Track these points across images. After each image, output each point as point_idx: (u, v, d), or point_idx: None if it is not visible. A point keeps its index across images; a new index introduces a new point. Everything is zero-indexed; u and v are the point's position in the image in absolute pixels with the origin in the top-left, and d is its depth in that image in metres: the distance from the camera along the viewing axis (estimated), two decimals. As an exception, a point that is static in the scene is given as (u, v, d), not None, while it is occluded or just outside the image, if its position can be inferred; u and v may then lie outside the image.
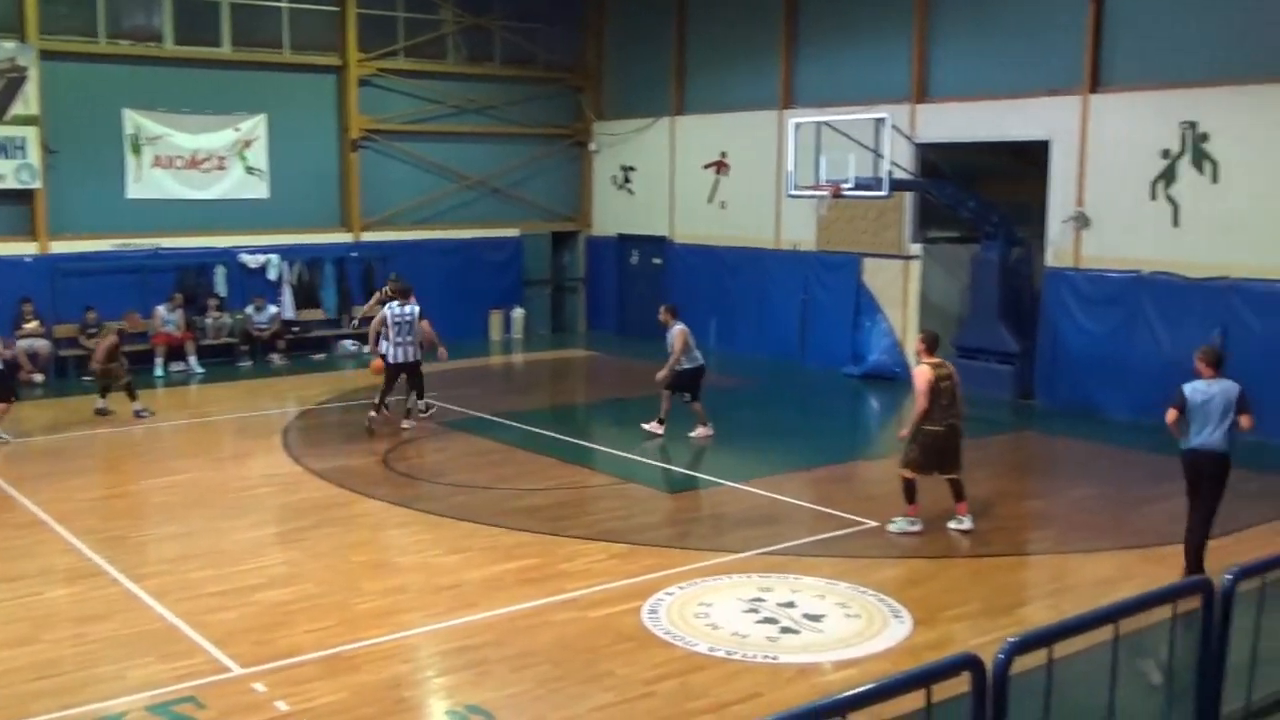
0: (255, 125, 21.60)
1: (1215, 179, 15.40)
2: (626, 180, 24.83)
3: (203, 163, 21.16)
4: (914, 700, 4.48)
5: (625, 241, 24.99)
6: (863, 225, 19.85)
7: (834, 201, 17.54)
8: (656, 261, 24.12)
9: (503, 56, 24.46)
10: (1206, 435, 9.42)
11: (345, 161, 22.65)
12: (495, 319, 24.28)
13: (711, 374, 15.59)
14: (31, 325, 19.07)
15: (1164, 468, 13.26)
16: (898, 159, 17.13)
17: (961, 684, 4.63)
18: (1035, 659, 5.04)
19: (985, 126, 17.99)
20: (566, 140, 25.40)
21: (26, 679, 7.71)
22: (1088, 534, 11.03)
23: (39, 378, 18.73)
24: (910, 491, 10.98)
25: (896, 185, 16.80)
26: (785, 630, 8.57)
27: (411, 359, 15.23)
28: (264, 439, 15.04)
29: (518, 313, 24.58)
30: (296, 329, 21.83)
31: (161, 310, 19.96)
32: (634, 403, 18.34)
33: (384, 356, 15.39)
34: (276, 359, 20.99)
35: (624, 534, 10.97)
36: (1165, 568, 9.71)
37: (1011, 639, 4.87)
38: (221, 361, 20.58)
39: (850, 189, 16.54)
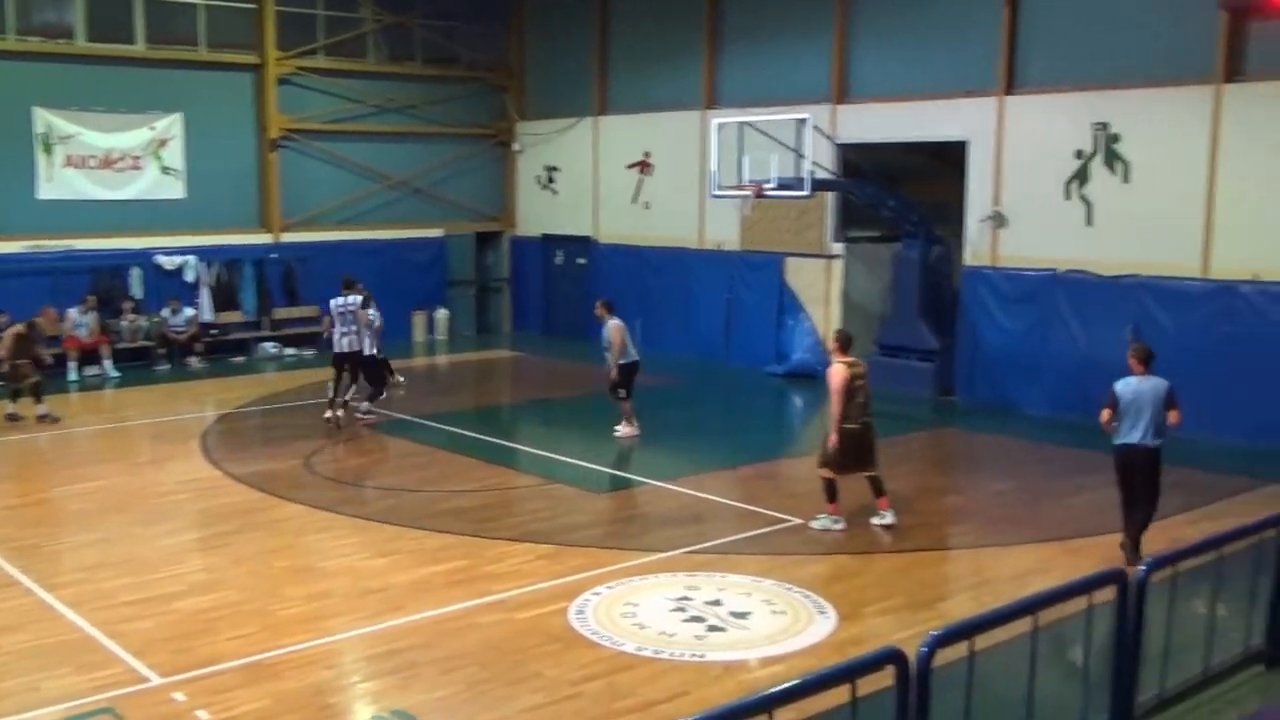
0: (171, 124, 21.21)
1: (1126, 179, 15.78)
2: (550, 180, 24.78)
3: (117, 162, 20.73)
4: (839, 695, 4.54)
5: (550, 242, 24.94)
6: (785, 225, 20.02)
7: (757, 201, 17.67)
8: (581, 262, 24.11)
9: (424, 55, 24.28)
10: (1139, 432, 9.70)
11: (264, 161, 22.33)
12: (419, 320, 24.10)
13: (638, 373, 15.61)
14: (-62, 329, 18.53)
15: (1080, 462, 13.61)
16: (819, 159, 17.30)
17: (886, 678, 4.70)
18: (957, 651, 5.14)
19: (904, 127, 18.24)
20: (490, 140, 25.28)
21: (-64, 693, 7.51)
22: (1007, 528, 11.23)
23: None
24: (831, 490, 11.09)
25: (818, 185, 16.96)
26: (712, 628, 8.62)
27: (350, 349, 15.50)
28: (182, 444, 14.78)
29: (442, 314, 24.43)
30: (215, 331, 21.48)
31: (73, 313, 19.50)
32: (559, 403, 18.36)
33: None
34: (195, 362, 20.63)
35: (550, 535, 10.95)
36: (1082, 559, 9.92)
37: (934, 632, 4.96)
38: (138, 365, 20.19)
39: (773, 189, 16.67)
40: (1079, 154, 16.19)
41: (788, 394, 19.00)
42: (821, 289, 19.60)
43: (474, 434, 15.46)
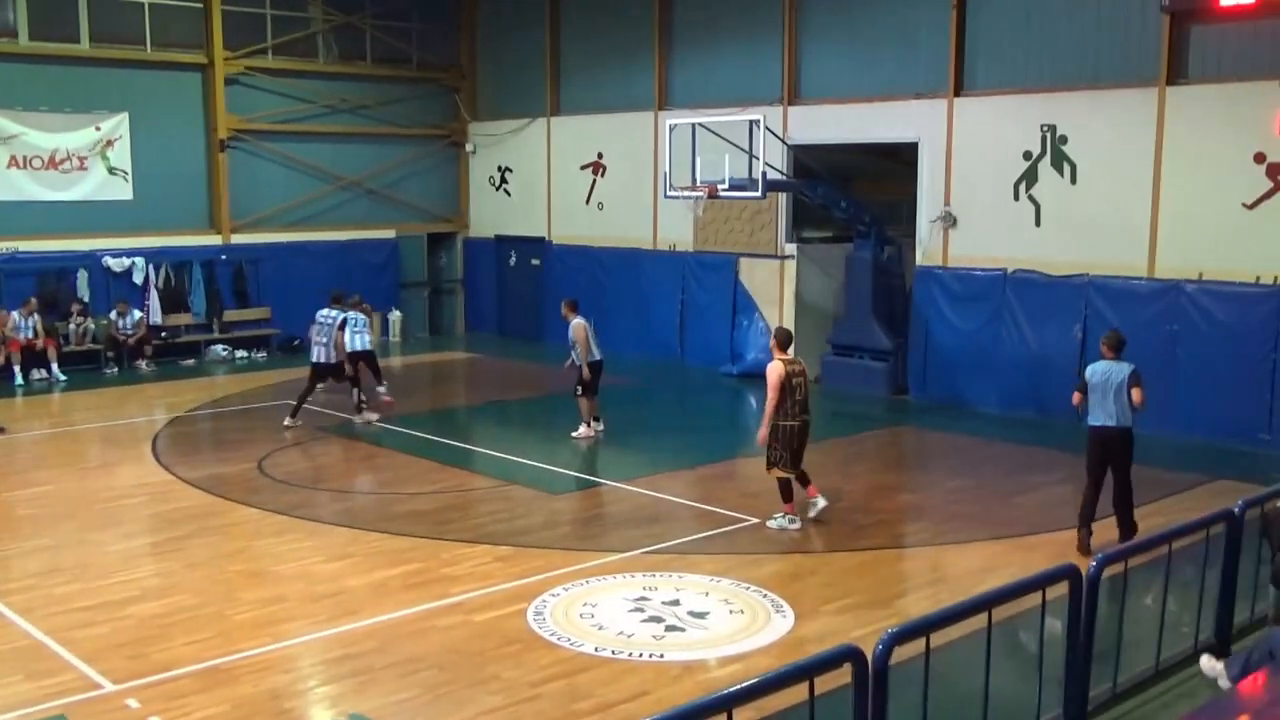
0: (117, 124, 20.93)
1: (1074, 180, 16.00)
2: (503, 181, 24.71)
3: (62, 163, 20.43)
4: (798, 693, 4.58)
5: (503, 243, 24.87)
6: (739, 226, 20.11)
7: (710, 202, 17.74)
8: (535, 262, 24.06)
9: (375, 55, 24.13)
10: (1105, 412, 10.18)
11: (213, 162, 22.09)
12: (372, 322, 23.91)
13: (601, 373, 15.60)
14: (-121, 334, 18.19)
15: (1032, 459, 13.80)
16: (771, 160, 17.38)
17: (844, 675, 4.75)
18: (914, 648, 5.20)
19: (855, 128, 18.38)
20: (442, 140, 25.18)
21: (-118, 704, 7.37)
22: (962, 525, 11.35)
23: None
24: (786, 490, 11.19)
25: (771, 186, 17.05)
26: (670, 628, 8.64)
27: (323, 360, 15.67)
28: (132, 448, 14.60)
29: (395, 315, 24.29)
30: (164, 334, 21.22)
31: (14, 316, 19.11)
32: (516, 405, 18.31)
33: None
34: (144, 365, 20.37)
35: (508, 536, 10.94)
36: (1036, 555, 10.04)
37: (890, 630, 5.01)
38: (87, 369, 19.92)
39: (725, 190, 16.73)
40: (1027, 155, 16.40)
41: (743, 394, 19.06)
42: (775, 289, 19.69)
43: (430, 436, 15.39)
